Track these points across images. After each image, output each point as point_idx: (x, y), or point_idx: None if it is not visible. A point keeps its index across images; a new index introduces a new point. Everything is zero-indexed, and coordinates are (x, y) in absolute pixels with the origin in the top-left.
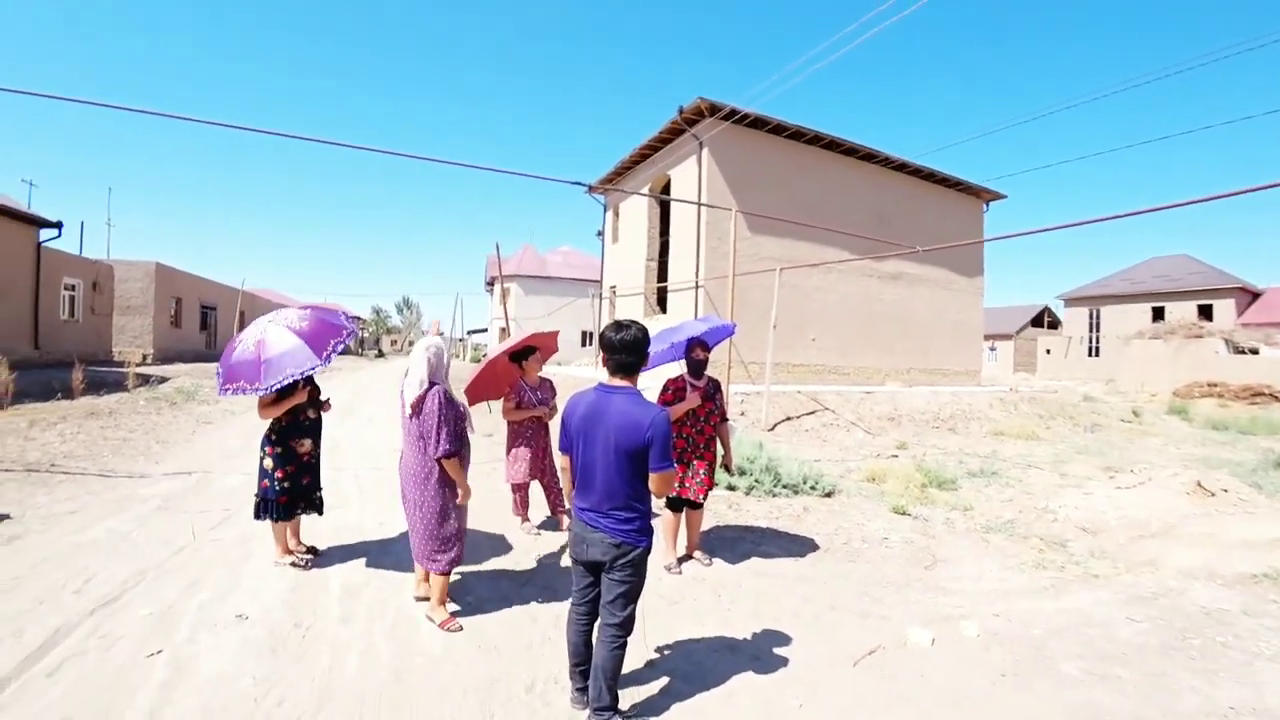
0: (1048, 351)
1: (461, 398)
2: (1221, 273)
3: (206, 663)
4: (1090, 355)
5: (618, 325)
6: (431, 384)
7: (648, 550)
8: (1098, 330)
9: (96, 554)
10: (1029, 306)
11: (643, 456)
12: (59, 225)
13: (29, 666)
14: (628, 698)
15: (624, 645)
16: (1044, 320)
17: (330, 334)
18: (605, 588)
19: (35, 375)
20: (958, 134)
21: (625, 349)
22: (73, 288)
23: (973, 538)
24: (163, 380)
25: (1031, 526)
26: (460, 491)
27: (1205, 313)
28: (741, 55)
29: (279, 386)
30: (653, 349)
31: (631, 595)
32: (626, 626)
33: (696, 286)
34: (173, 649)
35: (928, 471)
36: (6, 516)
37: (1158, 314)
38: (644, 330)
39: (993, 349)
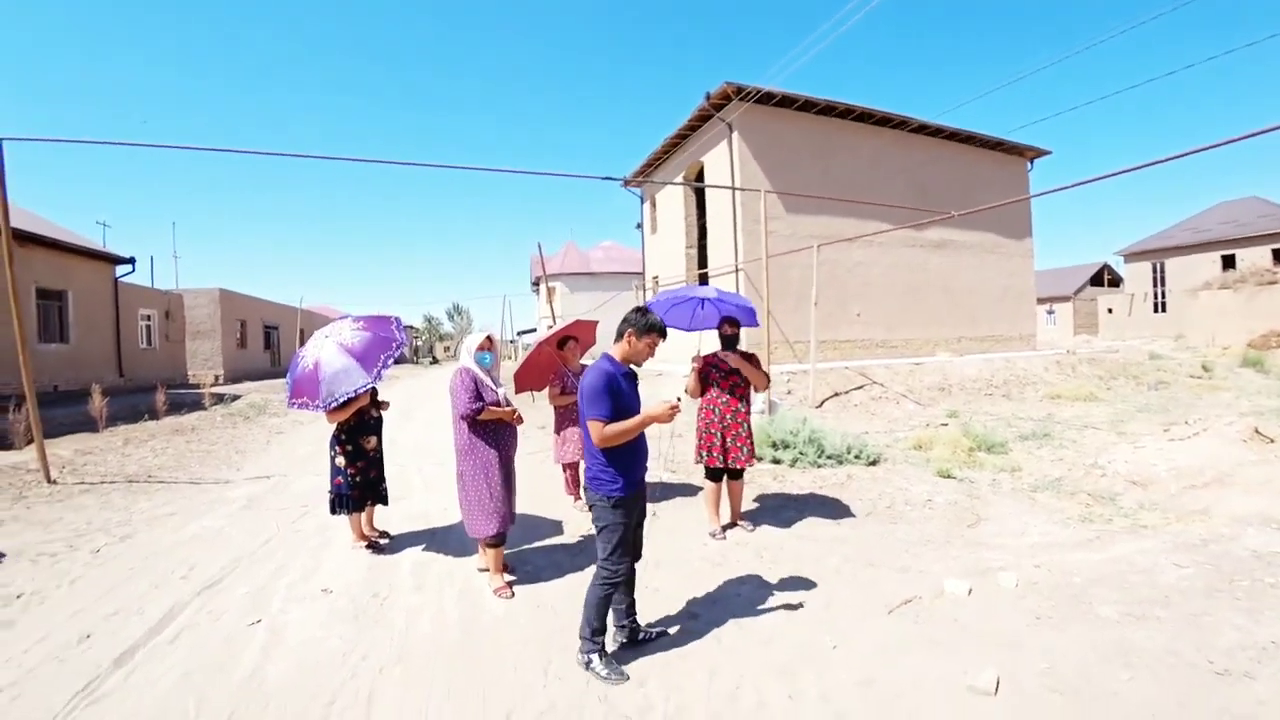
0: (1109, 311)
1: (507, 386)
2: None
3: (299, 629)
4: (1156, 312)
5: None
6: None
7: (608, 497)
8: (1163, 285)
9: (195, 547)
10: (1087, 266)
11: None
12: (132, 261)
13: (153, 636)
14: (672, 642)
15: (607, 585)
16: (1104, 279)
17: (380, 349)
18: None
19: (122, 400)
20: (997, 84)
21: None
22: (148, 318)
23: (1019, 496)
24: (235, 398)
25: (1080, 483)
26: (511, 419)
27: None
28: (768, 30)
29: (336, 405)
30: (680, 300)
31: (605, 536)
32: (607, 566)
33: (736, 270)
34: (269, 618)
35: (976, 436)
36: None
37: (1228, 262)
38: (638, 310)
39: (1050, 312)
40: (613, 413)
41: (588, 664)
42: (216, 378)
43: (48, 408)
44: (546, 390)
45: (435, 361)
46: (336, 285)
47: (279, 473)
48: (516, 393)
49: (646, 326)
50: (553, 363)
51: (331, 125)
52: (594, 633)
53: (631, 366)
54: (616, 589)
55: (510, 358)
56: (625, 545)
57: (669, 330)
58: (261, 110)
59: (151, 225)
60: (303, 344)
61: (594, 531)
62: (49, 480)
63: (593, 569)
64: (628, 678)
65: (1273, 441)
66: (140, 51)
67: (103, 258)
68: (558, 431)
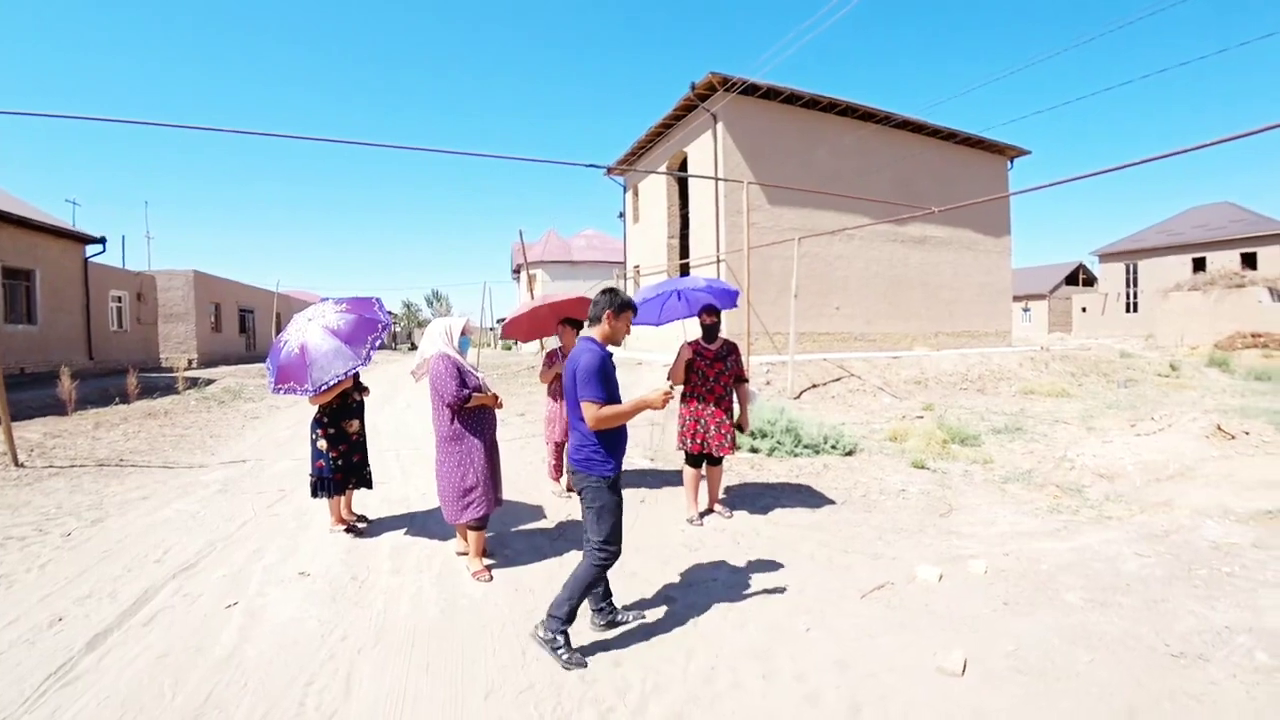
0: (1083, 309)
1: (486, 372)
2: (1267, 219)
3: (276, 610)
4: (1128, 311)
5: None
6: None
7: (604, 478)
8: (1135, 285)
9: (170, 531)
10: (1062, 265)
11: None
12: (103, 240)
13: (127, 619)
14: (649, 625)
15: (603, 565)
16: (1079, 278)
17: (367, 330)
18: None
19: (93, 384)
20: (979, 81)
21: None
22: (119, 299)
23: (990, 488)
24: (209, 382)
25: (1049, 475)
26: (493, 404)
27: (1249, 261)
28: (754, 22)
29: (325, 388)
30: (652, 295)
31: (600, 518)
32: (606, 547)
33: (718, 261)
34: (246, 601)
35: (950, 429)
36: None
37: (1198, 265)
38: (607, 291)
39: (1026, 310)
40: (607, 396)
41: (552, 642)
42: (190, 361)
43: (15, 390)
44: (539, 372)
45: (414, 348)
46: (314, 269)
47: (255, 457)
48: (503, 337)
49: (621, 305)
50: (548, 328)
51: (314, 117)
52: (569, 615)
53: (610, 349)
54: (608, 569)
55: (489, 344)
56: (620, 526)
57: (634, 326)
58: (246, 101)
59: (124, 205)
60: (279, 328)
61: (573, 516)
62: (16, 464)
63: (572, 554)
64: (586, 665)
65: (1234, 438)
66: (129, 49)
67: (72, 237)
68: (548, 412)
